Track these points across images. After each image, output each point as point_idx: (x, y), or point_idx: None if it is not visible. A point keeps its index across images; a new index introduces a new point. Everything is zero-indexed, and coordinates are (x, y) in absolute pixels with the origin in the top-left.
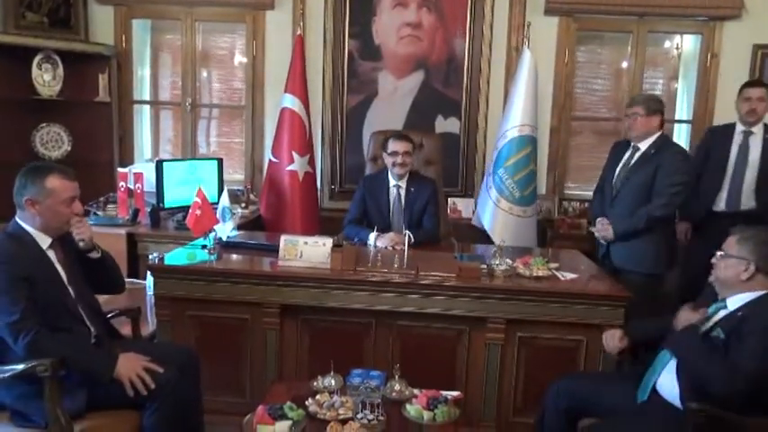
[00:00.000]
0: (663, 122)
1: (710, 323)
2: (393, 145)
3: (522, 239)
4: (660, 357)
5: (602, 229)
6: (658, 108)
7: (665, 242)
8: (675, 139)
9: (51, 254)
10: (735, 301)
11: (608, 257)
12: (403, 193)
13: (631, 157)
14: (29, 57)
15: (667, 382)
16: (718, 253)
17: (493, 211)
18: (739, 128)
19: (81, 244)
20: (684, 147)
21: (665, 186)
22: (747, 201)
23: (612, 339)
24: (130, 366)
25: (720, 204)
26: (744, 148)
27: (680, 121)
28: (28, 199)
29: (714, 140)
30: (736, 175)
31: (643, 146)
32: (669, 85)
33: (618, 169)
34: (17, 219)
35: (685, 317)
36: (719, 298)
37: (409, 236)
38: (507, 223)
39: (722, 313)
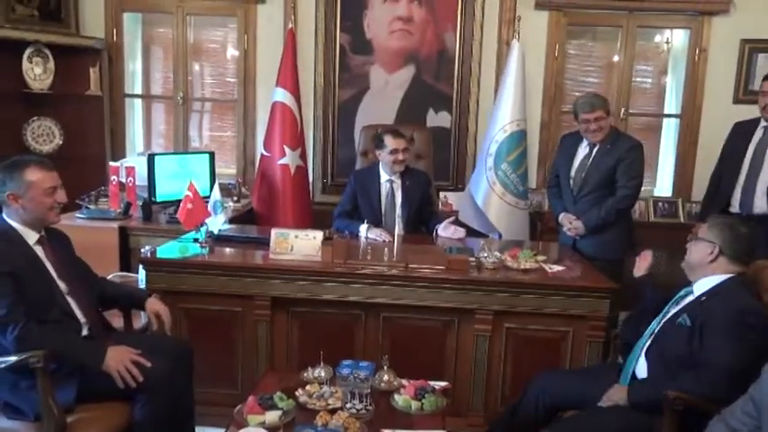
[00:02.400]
0: None
1: (678, 307)
2: (392, 143)
3: (522, 232)
4: (638, 343)
5: (574, 226)
6: (608, 104)
7: (626, 230)
8: (665, 133)
9: (39, 249)
10: (700, 286)
11: (575, 248)
12: (396, 187)
13: (590, 153)
14: (19, 50)
15: (643, 367)
16: (690, 237)
17: (498, 205)
18: (762, 123)
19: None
20: (673, 141)
21: (627, 179)
22: (760, 203)
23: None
24: (119, 359)
25: (735, 205)
26: (762, 146)
27: (669, 116)
28: (10, 194)
29: (735, 136)
30: (751, 175)
31: (599, 142)
32: (659, 80)
33: (575, 165)
34: (3, 216)
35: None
36: (690, 281)
37: (399, 228)
38: (512, 217)
39: (689, 298)
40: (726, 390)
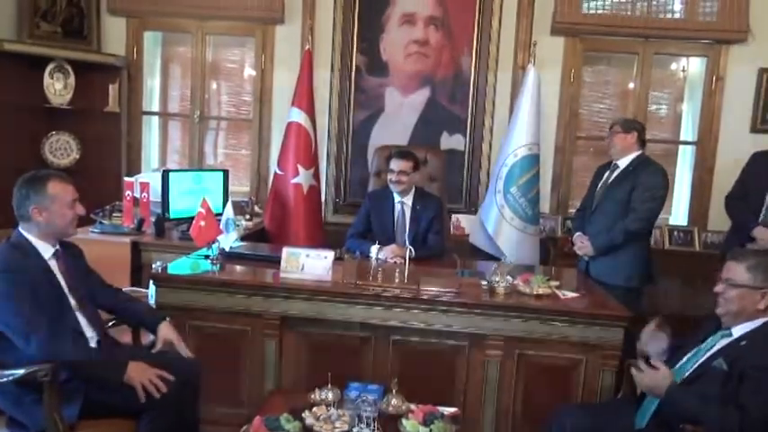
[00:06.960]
0: (643, 142)
1: (711, 351)
2: (392, 163)
3: (532, 258)
4: None
5: (581, 245)
6: (634, 126)
7: (641, 256)
8: (680, 161)
9: (53, 263)
10: (740, 329)
11: (587, 271)
12: (407, 209)
13: (611, 174)
14: (41, 65)
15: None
16: (723, 281)
17: (507, 230)
18: None
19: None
20: (689, 168)
21: (641, 201)
22: None
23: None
24: (141, 371)
25: None
26: None
27: (685, 143)
28: (35, 207)
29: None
30: None
31: (622, 163)
32: (675, 107)
33: (599, 185)
34: (20, 230)
35: (649, 334)
36: (724, 327)
37: (410, 250)
38: (520, 242)
39: (725, 341)
40: None
